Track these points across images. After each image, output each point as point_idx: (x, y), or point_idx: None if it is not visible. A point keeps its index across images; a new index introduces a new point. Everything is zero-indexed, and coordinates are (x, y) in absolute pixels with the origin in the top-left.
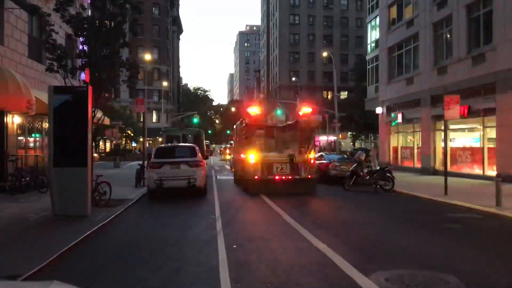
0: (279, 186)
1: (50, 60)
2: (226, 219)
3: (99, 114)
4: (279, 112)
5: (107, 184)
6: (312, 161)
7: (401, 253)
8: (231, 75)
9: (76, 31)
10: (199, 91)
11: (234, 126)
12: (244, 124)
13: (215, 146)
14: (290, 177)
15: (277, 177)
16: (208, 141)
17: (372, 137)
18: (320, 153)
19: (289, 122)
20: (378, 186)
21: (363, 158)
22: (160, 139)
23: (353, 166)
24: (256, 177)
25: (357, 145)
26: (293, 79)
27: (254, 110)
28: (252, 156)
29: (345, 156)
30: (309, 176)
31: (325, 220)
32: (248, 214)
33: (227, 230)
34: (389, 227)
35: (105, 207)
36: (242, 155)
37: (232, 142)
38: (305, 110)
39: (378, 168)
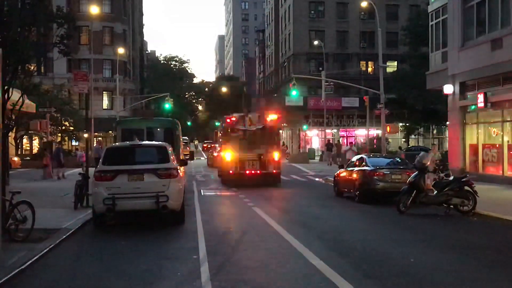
0: (250, 179)
1: None
2: (216, 262)
3: (15, 95)
4: (294, 92)
5: (28, 206)
6: (277, 159)
7: None
8: (221, 39)
9: None
10: (173, 62)
11: (219, 124)
12: (222, 127)
13: (197, 143)
14: (259, 172)
15: (247, 172)
16: (186, 138)
17: (435, 130)
18: (359, 156)
19: (258, 126)
20: (451, 207)
21: (428, 162)
22: (114, 135)
23: (412, 175)
24: (231, 171)
25: (412, 142)
26: (315, 43)
27: (231, 116)
28: (228, 154)
29: (398, 159)
30: (274, 171)
31: (378, 266)
32: (252, 253)
33: (219, 282)
34: (484, 281)
35: (25, 243)
36: (220, 153)
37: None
38: (272, 117)
39: (451, 178)
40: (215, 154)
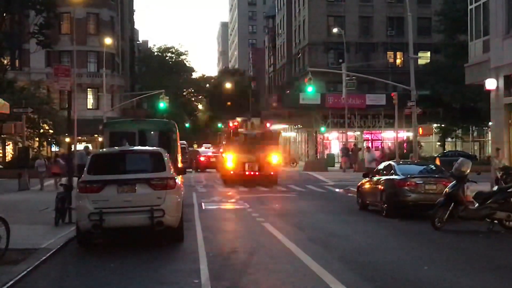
0: (249, 179)
1: None
2: None
3: None
4: (310, 88)
5: (1, 222)
6: (274, 162)
7: None
8: (224, 26)
9: None
10: (169, 54)
11: (223, 126)
12: (225, 131)
13: (196, 147)
14: (257, 173)
15: (247, 173)
16: (185, 142)
17: (475, 133)
18: (387, 163)
19: (258, 132)
20: (496, 222)
21: (468, 169)
22: (100, 139)
23: (450, 185)
24: (231, 172)
25: (449, 146)
26: (334, 30)
27: (233, 121)
28: (229, 156)
29: (433, 167)
30: (272, 173)
31: None
32: (262, 277)
33: None
34: None
35: None
36: (223, 155)
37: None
38: (270, 124)
39: (494, 188)
40: (201, 158)
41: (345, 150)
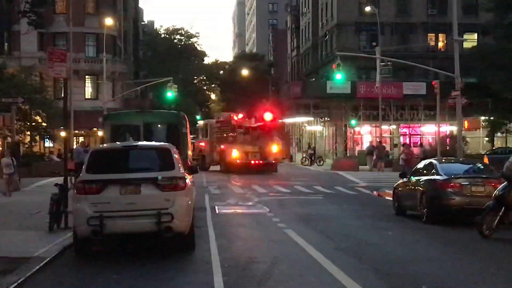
0: (253, 167)
1: None
2: None
3: None
4: (338, 75)
5: None
6: (274, 151)
7: None
8: (241, 5)
9: None
10: (178, 37)
11: (205, 123)
12: (226, 124)
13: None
14: (261, 162)
15: (252, 162)
16: (196, 137)
17: None
18: (427, 161)
19: (259, 124)
20: None
21: None
22: (100, 133)
23: (500, 187)
24: (238, 161)
25: (499, 142)
26: (367, 9)
27: (238, 115)
28: (235, 147)
29: (480, 166)
30: (273, 161)
31: None
32: None
33: None
34: None
35: None
36: (225, 146)
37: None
38: (270, 115)
39: None
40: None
41: (370, 148)
